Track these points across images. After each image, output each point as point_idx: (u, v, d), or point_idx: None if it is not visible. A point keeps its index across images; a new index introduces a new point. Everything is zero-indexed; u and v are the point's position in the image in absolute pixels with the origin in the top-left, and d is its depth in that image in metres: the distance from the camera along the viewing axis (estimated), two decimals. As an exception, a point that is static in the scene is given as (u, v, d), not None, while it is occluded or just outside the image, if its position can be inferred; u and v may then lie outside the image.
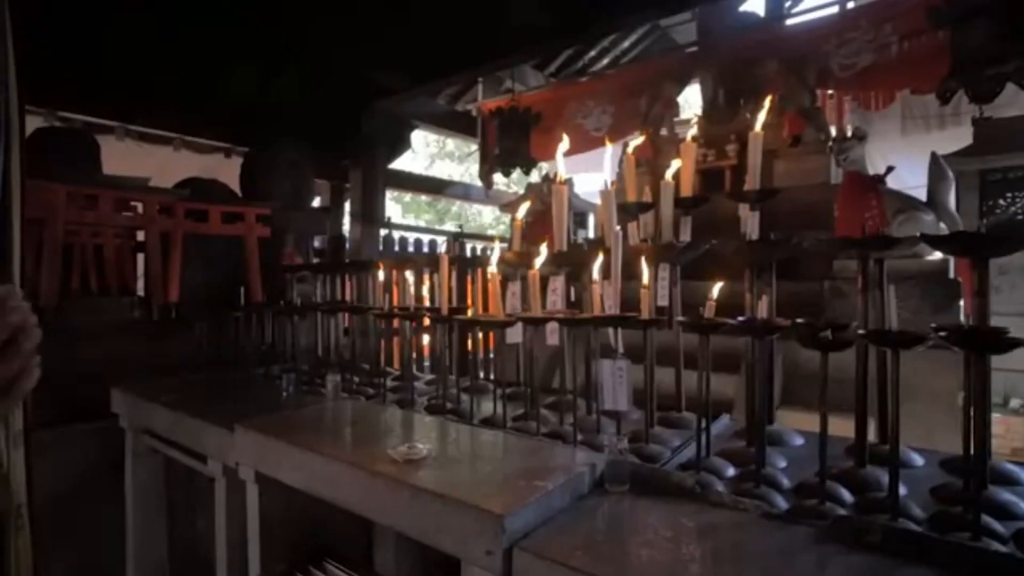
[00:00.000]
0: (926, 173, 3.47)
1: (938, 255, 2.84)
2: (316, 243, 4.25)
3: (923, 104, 5.40)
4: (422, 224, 13.17)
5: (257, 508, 1.61)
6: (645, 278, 1.42)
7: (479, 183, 6.31)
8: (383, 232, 5.33)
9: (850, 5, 4.48)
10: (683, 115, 5.24)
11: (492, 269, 1.61)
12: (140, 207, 2.77)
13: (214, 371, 2.48)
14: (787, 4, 6.00)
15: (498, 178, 5.57)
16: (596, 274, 1.44)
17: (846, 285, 3.00)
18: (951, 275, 2.91)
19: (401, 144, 5.51)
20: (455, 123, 6.29)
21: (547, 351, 1.88)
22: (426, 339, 3.38)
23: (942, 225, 3.28)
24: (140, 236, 2.89)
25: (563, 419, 1.54)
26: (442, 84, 5.60)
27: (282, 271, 2.98)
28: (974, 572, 0.85)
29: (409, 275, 1.95)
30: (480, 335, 2.28)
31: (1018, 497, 1.08)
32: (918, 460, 1.34)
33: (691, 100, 6.21)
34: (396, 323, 2.30)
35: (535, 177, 5.77)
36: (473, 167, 10.04)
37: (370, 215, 5.11)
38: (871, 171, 3.60)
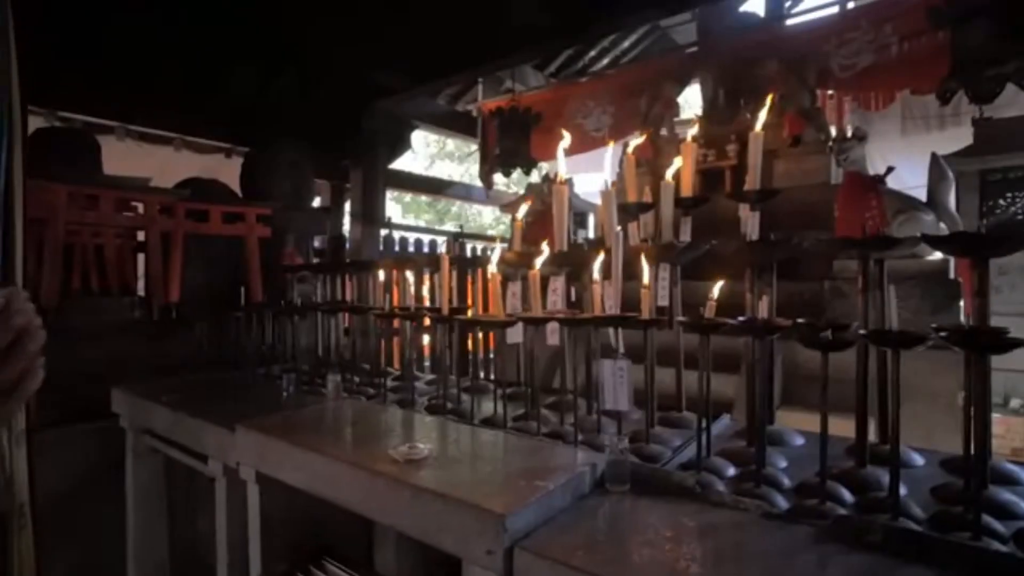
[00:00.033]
0: (926, 173, 3.47)
1: (938, 255, 2.84)
2: (316, 243, 4.24)
3: (923, 104, 5.40)
4: (422, 224, 13.16)
5: (258, 508, 1.61)
6: (645, 278, 1.43)
7: (479, 183, 6.31)
8: (383, 232, 5.34)
9: (850, 5, 4.48)
10: (683, 115, 5.24)
11: (492, 269, 1.61)
12: (141, 207, 2.77)
13: (215, 371, 2.48)
14: (787, 4, 6.00)
15: (498, 178, 5.57)
16: (596, 274, 1.44)
17: (846, 285, 3.01)
18: (951, 275, 2.91)
19: (401, 144, 5.51)
20: (455, 123, 6.29)
21: (547, 351, 1.89)
22: (426, 339, 3.39)
23: (942, 225, 3.28)
24: (141, 236, 2.89)
25: (564, 419, 1.54)
26: (442, 84, 5.60)
27: (282, 271, 2.98)
28: (974, 572, 0.85)
29: (409, 275, 1.95)
30: (480, 335, 2.28)
31: (1018, 497, 1.08)
32: (918, 460, 1.34)
33: (691, 100, 6.20)
34: (396, 323, 2.31)
35: (535, 177, 5.77)
36: (473, 167, 10.05)
37: (370, 215, 5.11)
38: (871, 171, 3.60)
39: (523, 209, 2.09)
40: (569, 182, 3.41)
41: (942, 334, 0.97)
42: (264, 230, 3.11)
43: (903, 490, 1.09)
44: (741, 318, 1.33)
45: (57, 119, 3.70)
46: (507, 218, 8.52)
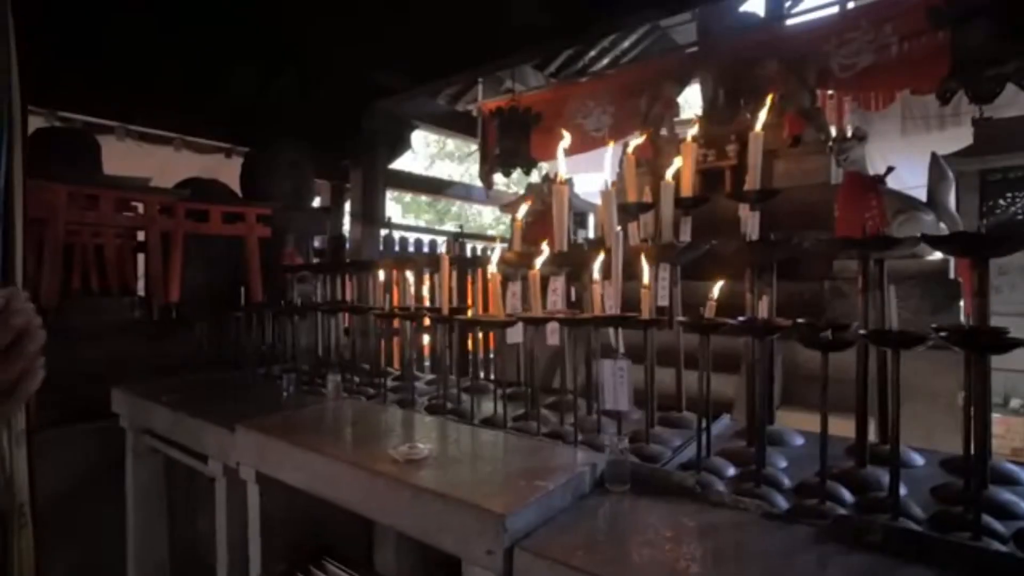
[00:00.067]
0: (926, 173, 3.47)
1: (938, 255, 2.84)
2: (316, 243, 4.24)
3: (923, 104, 5.40)
4: (422, 224, 13.16)
5: (258, 508, 1.61)
6: (645, 278, 1.43)
7: (479, 183, 6.31)
8: (383, 232, 5.34)
9: (850, 5, 4.48)
10: (683, 115, 5.24)
11: (492, 269, 1.61)
12: (141, 207, 2.77)
13: (215, 371, 2.48)
14: (787, 4, 6.00)
15: (498, 178, 5.57)
16: (596, 274, 1.44)
17: (846, 285, 3.01)
18: (951, 275, 2.91)
19: (401, 144, 5.51)
20: (455, 123, 6.29)
21: (547, 351, 1.88)
22: (426, 339, 3.39)
23: (942, 225, 3.28)
24: (141, 236, 2.89)
25: (564, 419, 1.54)
26: (442, 84, 5.60)
27: (282, 271, 2.98)
28: (974, 572, 0.85)
29: (409, 275, 1.95)
30: (480, 335, 2.28)
31: (1018, 497, 1.08)
32: (918, 460, 1.34)
33: (691, 100, 6.20)
34: (396, 323, 2.31)
35: (535, 177, 5.77)
36: (473, 167, 10.05)
37: (370, 215, 5.11)
38: (871, 171, 3.60)
39: (523, 209, 2.09)
40: (569, 182, 3.41)
41: (942, 334, 0.97)
42: (264, 230, 3.11)
43: (903, 490, 1.09)
44: (741, 318, 1.33)
45: (57, 119, 3.70)
46: (507, 218, 8.52)
